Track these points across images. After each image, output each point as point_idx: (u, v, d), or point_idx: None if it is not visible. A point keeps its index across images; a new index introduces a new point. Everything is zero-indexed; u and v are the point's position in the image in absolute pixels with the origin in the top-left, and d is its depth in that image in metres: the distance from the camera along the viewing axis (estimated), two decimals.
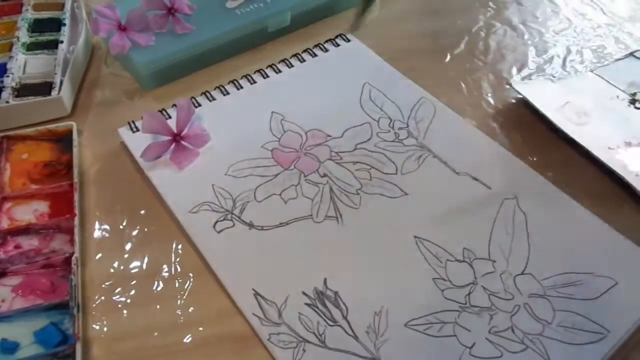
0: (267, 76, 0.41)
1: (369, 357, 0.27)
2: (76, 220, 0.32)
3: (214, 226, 0.32)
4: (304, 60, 0.42)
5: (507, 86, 0.42)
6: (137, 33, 0.41)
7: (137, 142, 0.36)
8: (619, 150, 0.37)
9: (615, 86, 0.42)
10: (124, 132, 0.37)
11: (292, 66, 0.42)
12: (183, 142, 0.36)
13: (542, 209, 0.33)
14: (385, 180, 0.35)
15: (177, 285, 0.31)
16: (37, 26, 0.44)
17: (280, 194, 0.34)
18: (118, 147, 0.38)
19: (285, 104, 0.39)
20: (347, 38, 0.44)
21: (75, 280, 0.30)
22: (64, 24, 0.44)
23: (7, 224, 0.33)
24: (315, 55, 0.43)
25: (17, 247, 0.32)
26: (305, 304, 0.29)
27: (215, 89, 0.40)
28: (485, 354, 0.27)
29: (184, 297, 0.30)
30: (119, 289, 0.31)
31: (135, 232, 0.33)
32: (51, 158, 0.37)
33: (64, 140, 0.37)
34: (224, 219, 0.33)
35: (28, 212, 0.34)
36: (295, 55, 0.43)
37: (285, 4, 0.44)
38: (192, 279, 0.31)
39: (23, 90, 0.39)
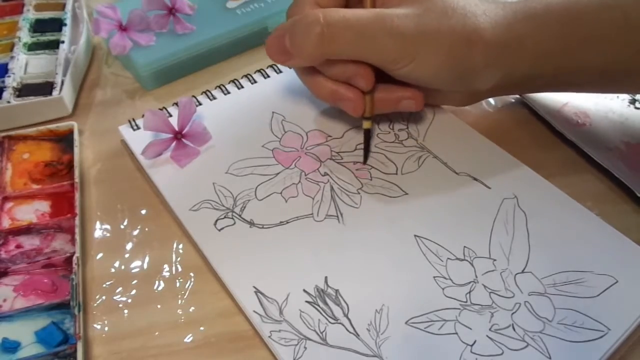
0: (268, 76, 0.41)
1: (370, 355, 0.27)
2: (77, 220, 0.32)
3: (215, 224, 0.32)
4: None
5: None
6: (137, 33, 0.41)
7: (138, 140, 0.36)
8: (619, 150, 0.37)
9: None
10: (125, 130, 0.37)
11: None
12: (184, 140, 0.36)
13: (542, 208, 0.33)
14: (385, 180, 0.35)
15: (177, 285, 0.31)
16: (39, 26, 0.45)
17: (281, 193, 0.34)
18: (119, 147, 0.38)
19: (286, 105, 0.39)
20: None
21: (76, 280, 0.30)
22: (65, 24, 0.44)
23: (9, 223, 0.33)
24: None
25: (18, 246, 0.32)
26: (306, 301, 0.29)
27: (215, 88, 0.40)
28: (486, 352, 0.27)
29: (185, 296, 0.30)
30: (119, 289, 0.31)
31: (136, 232, 0.33)
32: (52, 158, 0.37)
33: (65, 140, 0.37)
34: (224, 217, 0.33)
35: (29, 212, 0.34)
36: None
37: (285, 4, 0.44)
38: (192, 279, 0.31)
39: (24, 90, 0.39)
